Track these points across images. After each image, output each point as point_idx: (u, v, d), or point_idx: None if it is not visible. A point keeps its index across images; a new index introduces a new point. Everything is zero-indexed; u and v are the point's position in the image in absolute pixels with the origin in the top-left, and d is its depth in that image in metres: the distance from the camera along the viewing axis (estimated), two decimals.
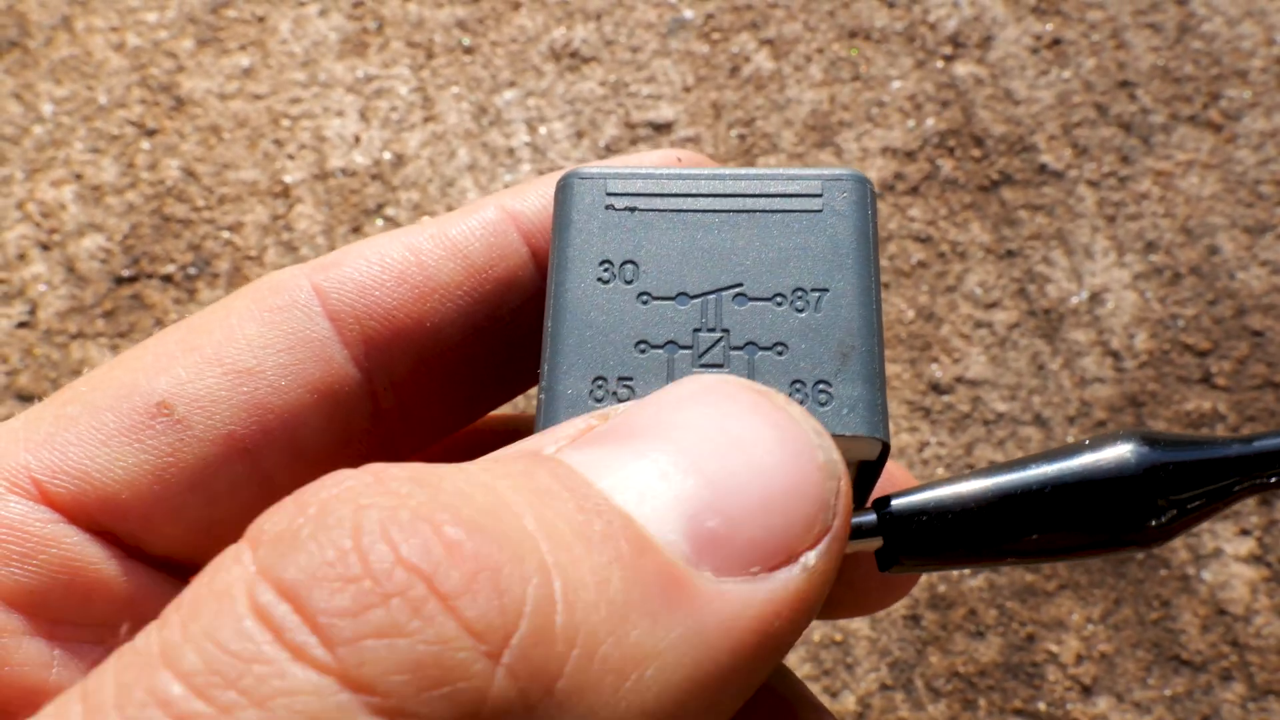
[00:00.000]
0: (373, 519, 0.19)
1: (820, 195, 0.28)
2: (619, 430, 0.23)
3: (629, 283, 0.28)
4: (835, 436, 0.25)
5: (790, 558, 0.21)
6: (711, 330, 0.27)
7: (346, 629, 0.18)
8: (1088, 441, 0.26)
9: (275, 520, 0.20)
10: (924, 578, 0.98)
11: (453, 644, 0.18)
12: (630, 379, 0.27)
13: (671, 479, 0.22)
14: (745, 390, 0.24)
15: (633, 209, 0.28)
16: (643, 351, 0.27)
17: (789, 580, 0.21)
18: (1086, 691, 0.97)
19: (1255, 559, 1.00)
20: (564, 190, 0.29)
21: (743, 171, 0.29)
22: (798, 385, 0.26)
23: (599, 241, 0.28)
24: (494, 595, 0.18)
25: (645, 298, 0.27)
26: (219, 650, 0.17)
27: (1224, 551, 1.00)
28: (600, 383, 0.27)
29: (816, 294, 0.27)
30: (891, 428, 1.05)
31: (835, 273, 0.27)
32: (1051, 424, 1.05)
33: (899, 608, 1.00)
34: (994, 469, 0.26)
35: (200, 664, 0.17)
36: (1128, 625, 0.98)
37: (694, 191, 0.29)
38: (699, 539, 0.21)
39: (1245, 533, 1.01)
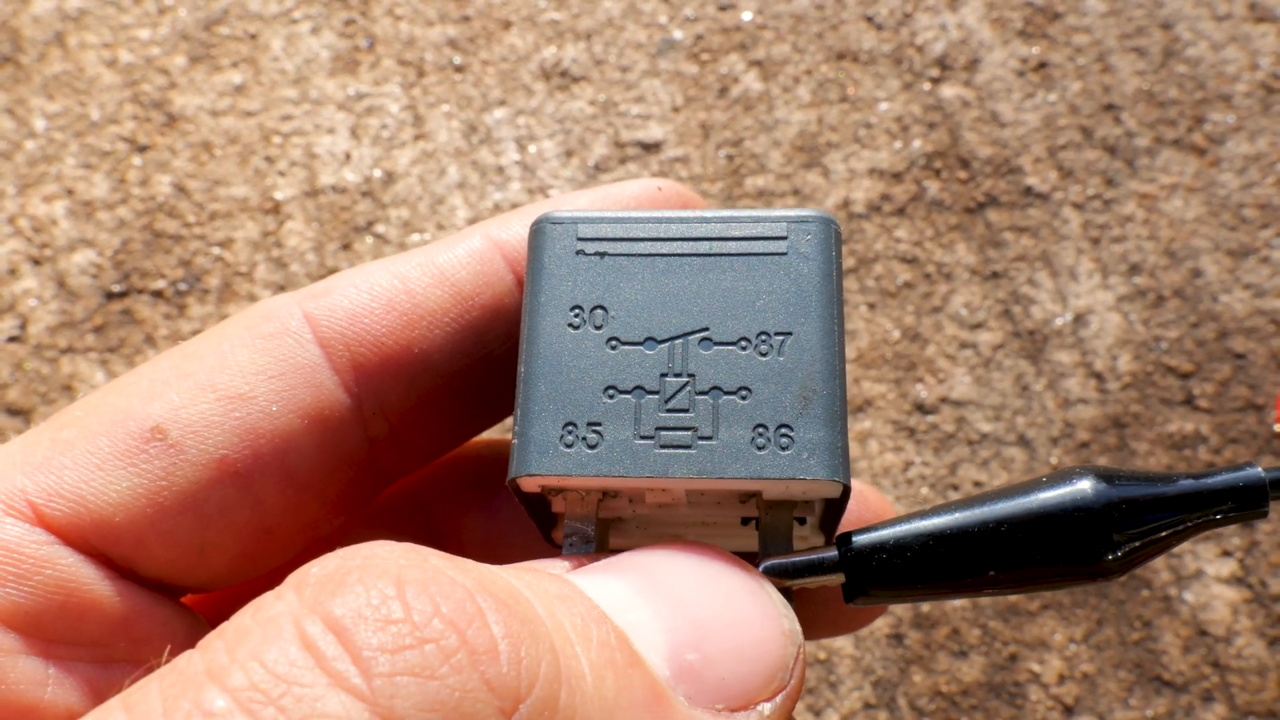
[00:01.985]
0: (415, 575, 0.21)
1: (785, 238, 0.29)
2: (616, 564, 0.25)
3: (598, 328, 0.28)
4: (797, 480, 0.26)
5: (749, 704, 0.24)
6: (678, 375, 0.28)
7: (384, 664, 0.19)
8: (1045, 478, 0.27)
9: (322, 566, 0.21)
10: None
11: (473, 694, 0.19)
12: (599, 424, 0.27)
13: (661, 611, 0.24)
14: (726, 557, 0.26)
15: (602, 254, 0.29)
16: (611, 397, 0.27)
17: None
18: (1069, 711, 0.97)
19: (1237, 580, 1.01)
20: (536, 235, 0.30)
21: (710, 214, 0.29)
22: (760, 429, 0.27)
23: (569, 287, 0.29)
24: (514, 662, 0.20)
25: (614, 343, 0.28)
26: (264, 671, 0.19)
27: (1205, 573, 1.01)
28: (570, 428, 0.27)
29: (780, 338, 0.28)
30: (876, 448, 1.06)
31: (798, 316, 0.28)
32: (1035, 445, 1.06)
33: (882, 626, 1.00)
34: (954, 505, 0.27)
35: (245, 682, 0.19)
36: (1110, 645, 0.99)
37: (662, 235, 0.29)
38: (678, 667, 0.23)
39: (1227, 554, 1.02)
